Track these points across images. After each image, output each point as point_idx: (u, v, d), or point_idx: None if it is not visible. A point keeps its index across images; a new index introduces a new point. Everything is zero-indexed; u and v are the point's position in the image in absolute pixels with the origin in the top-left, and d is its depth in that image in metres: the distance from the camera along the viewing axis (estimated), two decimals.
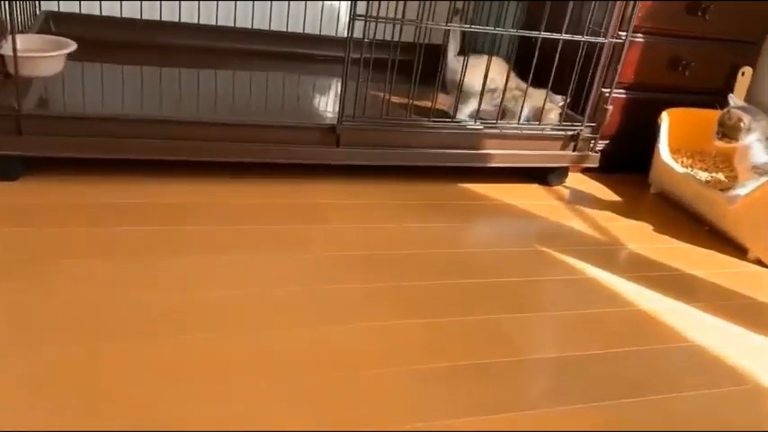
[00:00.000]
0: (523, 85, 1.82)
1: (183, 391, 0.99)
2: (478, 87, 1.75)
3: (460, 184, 1.85)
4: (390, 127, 1.70)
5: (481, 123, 1.78)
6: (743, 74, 2.06)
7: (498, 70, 1.77)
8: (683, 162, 1.98)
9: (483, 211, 1.75)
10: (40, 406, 0.93)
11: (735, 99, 1.78)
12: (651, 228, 1.80)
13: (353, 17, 1.53)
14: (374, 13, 1.54)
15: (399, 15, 1.62)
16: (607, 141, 2.05)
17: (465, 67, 1.70)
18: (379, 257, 1.44)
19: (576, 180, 2.03)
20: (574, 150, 1.89)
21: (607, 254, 1.62)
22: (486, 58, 1.72)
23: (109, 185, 1.53)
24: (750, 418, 1.14)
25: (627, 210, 1.89)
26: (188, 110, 1.65)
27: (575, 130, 1.86)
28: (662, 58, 2.01)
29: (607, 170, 2.06)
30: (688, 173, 1.88)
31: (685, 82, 2.06)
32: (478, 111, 1.77)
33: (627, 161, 2.11)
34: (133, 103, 1.63)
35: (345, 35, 1.57)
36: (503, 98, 1.78)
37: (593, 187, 2.01)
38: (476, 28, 1.74)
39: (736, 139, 1.70)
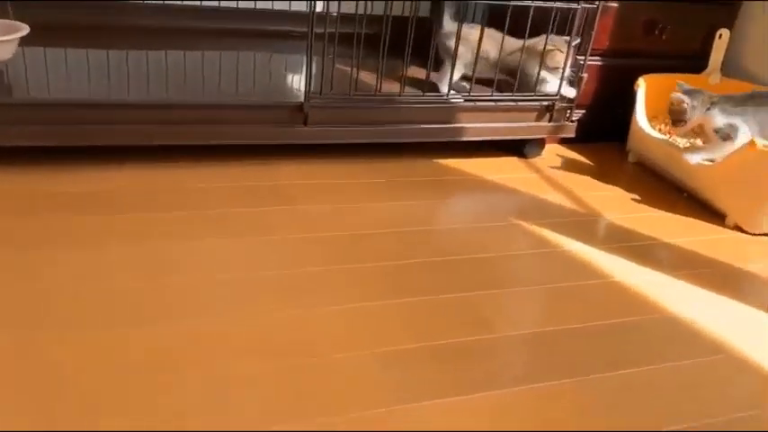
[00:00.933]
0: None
1: (140, 381, 0.96)
2: (470, 57, 1.75)
3: (435, 160, 1.82)
4: (360, 103, 1.65)
5: (453, 96, 1.74)
6: (720, 36, 2.02)
7: (489, 40, 1.76)
8: (660, 129, 1.95)
9: (458, 186, 1.71)
10: None
11: (683, 85, 1.75)
12: (629, 197, 1.77)
13: None
14: None
15: None
16: (583, 111, 2.01)
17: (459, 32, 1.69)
18: (348, 238, 1.40)
19: (553, 151, 1.99)
20: (549, 121, 1.85)
21: (584, 225, 1.59)
22: (478, 27, 1.74)
23: (63, 173, 1.48)
24: (731, 389, 1.12)
25: (604, 180, 1.85)
26: (154, 93, 1.59)
27: (550, 100, 1.82)
28: (637, 22, 1.96)
29: (584, 140, 2.03)
30: (665, 139, 1.85)
31: (662, 46, 2.02)
32: (451, 80, 1.73)
33: (604, 130, 2.07)
34: (97, 87, 1.57)
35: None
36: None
37: (570, 158, 1.98)
38: None
39: (686, 120, 1.71)
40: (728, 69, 2.08)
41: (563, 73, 1.78)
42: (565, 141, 2.05)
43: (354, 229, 1.44)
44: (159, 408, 0.92)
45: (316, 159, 1.71)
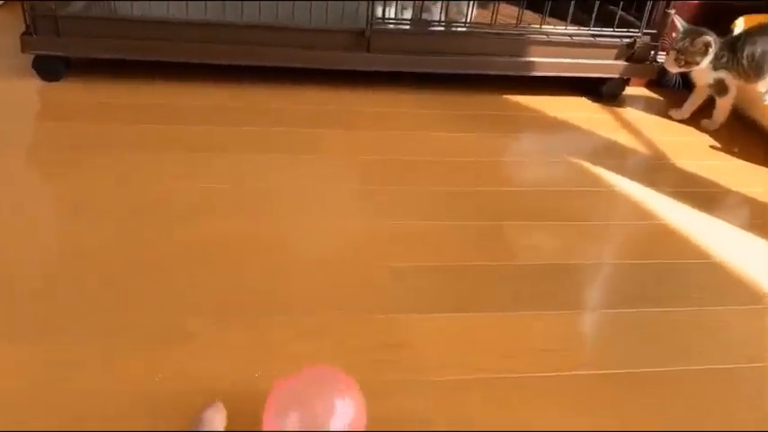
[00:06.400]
0: None
1: (216, 268, 1.04)
2: None
3: (503, 95, 1.78)
4: (423, 31, 1.65)
5: (524, 28, 1.69)
6: None
7: None
8: None
9: (521, 122, 1.68)
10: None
11: (680, 21, 1.65)
12: (708, 143, 1.66)
13: None
14: None
15: None
16: None
17: None
18: (396, 162, 1.42)
19: (636, 94, 1.89)
20: (630, 60, 1.76)
21: (647, 168, 1.52)
22: None
23: (145, 87, 1.60)
24: (756, 336, 1.05)
25: (687, 125, 1.74)
26: (229, 13, 1.67)
27: (631, 37, 1.72)
28: None
29: (676, 85, 1.90)
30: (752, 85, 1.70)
31: None
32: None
33: None
34: (175, 6, 1.67)
35: None
36: None
37: (653, 102, 1.87)
38: None
39: (697, 63, 1.63)
40: None
41: None
42: (653, 85, 1.94)
43: (405, 154, 1.46)
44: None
45: (382, 87, 1.72)
